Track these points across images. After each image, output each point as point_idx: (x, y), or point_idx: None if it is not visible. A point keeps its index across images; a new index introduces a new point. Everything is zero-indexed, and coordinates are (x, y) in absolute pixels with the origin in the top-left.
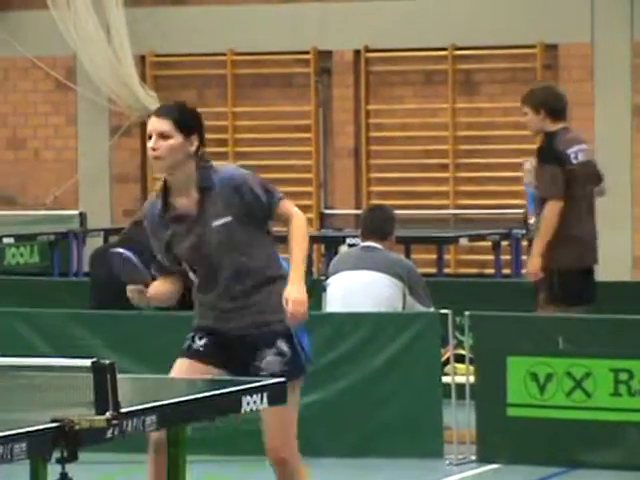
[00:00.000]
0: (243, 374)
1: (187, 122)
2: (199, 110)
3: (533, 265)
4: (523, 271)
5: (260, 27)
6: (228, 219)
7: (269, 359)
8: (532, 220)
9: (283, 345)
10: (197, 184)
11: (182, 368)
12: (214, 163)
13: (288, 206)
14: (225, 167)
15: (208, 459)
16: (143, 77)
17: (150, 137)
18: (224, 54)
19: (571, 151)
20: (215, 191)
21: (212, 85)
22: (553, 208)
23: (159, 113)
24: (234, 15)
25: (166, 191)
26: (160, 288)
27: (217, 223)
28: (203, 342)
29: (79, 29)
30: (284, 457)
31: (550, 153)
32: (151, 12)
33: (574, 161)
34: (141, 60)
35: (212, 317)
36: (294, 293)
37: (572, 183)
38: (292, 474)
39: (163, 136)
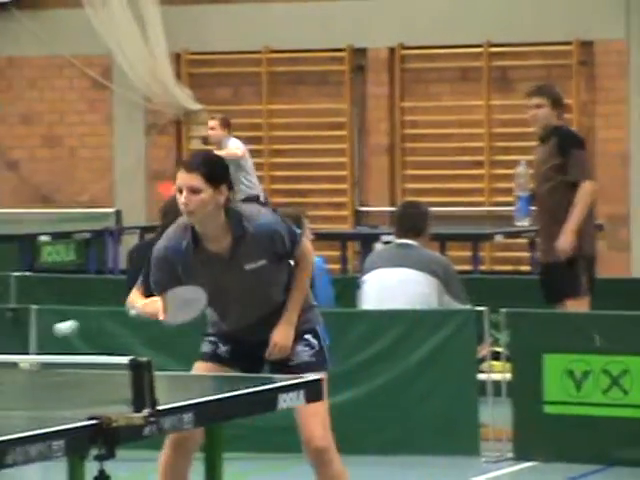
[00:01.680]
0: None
1: (216, 174)
2: (234, 108)
3: (569, 241)
4: None
5: (295, 24)
6: (262, 263)
7: (298, 349)
8: (524, 222)
9: (311, 338)
10: (230, 232)
11: (205, 371)
12: (242, 207)
13: (303, 246)
14: (255, 214)
15: (243, 456)
16: (178, 75)
17: (181, 191)
18: (259, 52)
19: None
20: (248, 237)
21: (247, 83)
22: (590, 187)
23: (188, 168)
24: (269, 13)
25: (195, 232)
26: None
27: (250, 267)
28: (227, 348)
29: (115, 27)
30: (323, 446)
31: (575, 139)
32: (187, 10)
33: None
34: (176, 58)
35: (235, 332)
36: (279, 338)
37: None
38: (331, 465)
39: (193, 190)
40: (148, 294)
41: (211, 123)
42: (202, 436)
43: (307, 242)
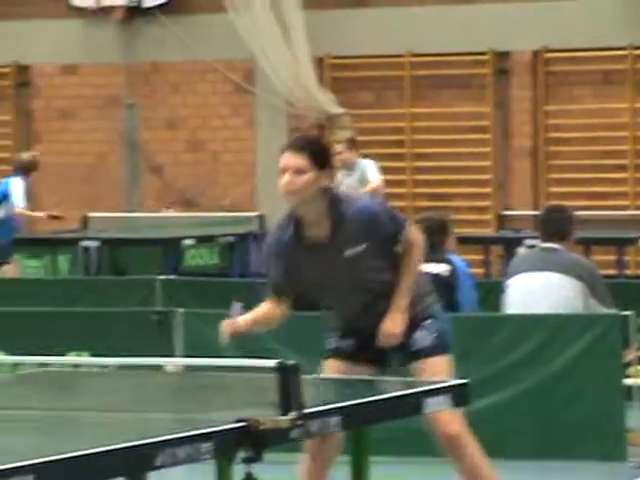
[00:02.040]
0: (389, 364)
1: (321, 156)
2: (376, 112)
3: None
4: None
5: (437, 28)
6: (361, 248)
7: (419, 334)
8: None
9: (430, 324)
10: (330, 216)
11: (334, 368)
12: (341, 192)
13: (411, 232)
14: (354, 198)
15: (389, 460)
16: (321, 79)
17: (283, 171)
18: (402, 55)
19: None
20: (347, 222)
21: (390, 86)
22: None
23: (294, 148)
24: (412, 17)
25: (297, 221)
26: (263, 313)
27: (350, 252)
28: (350, 342)
29: (258, 32)
30: (457, 431)
31: None
32: (329, 14)
33: None
34: (319, 62)
35: (349, 323)
36: (389, 326)
37: None
38: (467, 452)
39: (298, 171)
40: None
41: (338, 147)
42: (340, 445)
43: (415, 229)
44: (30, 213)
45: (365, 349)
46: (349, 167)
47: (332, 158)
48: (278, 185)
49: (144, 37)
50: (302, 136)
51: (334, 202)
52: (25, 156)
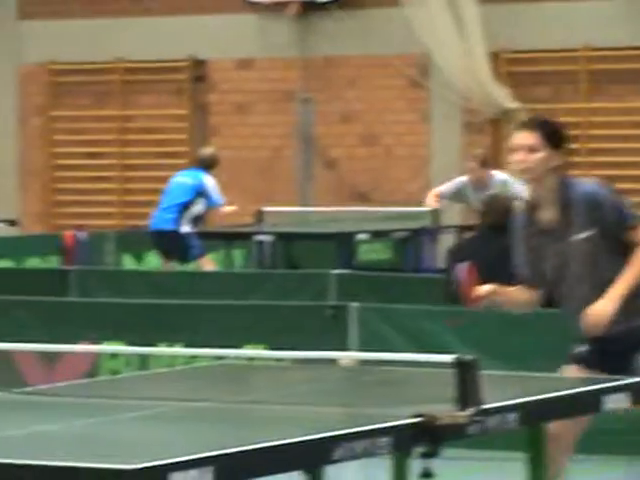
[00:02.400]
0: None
1: (554, 136)
2: (553, 106)
3: None
4: None
5: (615, 22)
6: (590, 233)
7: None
8: None
9: None
10: (558, 198)
11: (568, 374)
12: (569, 176)
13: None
14: (586, 182)
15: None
16: (496, 73)
17: (516, 150)
18: (577, 49)
19: None
20: (576, 205)
21: (566, 81)
22: None
23: (528, 126)
24: (588, 10)
25: (531, 205)
26: (517, 295)
27: (579, 237)
28: (585, 347)
29: (433, 26)
30: None
31: None
32: (506, 8)
33: None
34: (494, 57)
35: (574, 321)
36: (597, 306)
37: None
38: None
39: (531, 149)
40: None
41: (470, 164)
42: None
43: None
44: (231, 210)
45: (599, 355)
46: (483, 186)
47: (566, 139)
48: (510, 163)
49: (319, 31)
50: (536, 115)
51: (563, 184)
52: (207, 152)
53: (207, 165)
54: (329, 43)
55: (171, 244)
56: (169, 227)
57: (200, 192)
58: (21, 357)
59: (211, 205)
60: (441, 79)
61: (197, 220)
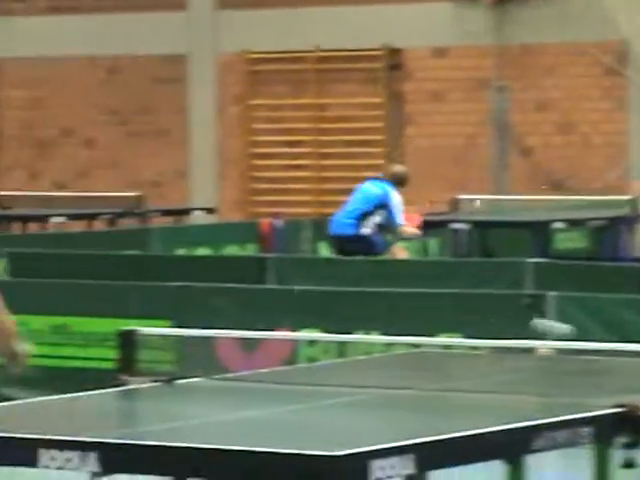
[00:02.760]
0: None
1: None
2: None
3: None
4: None
5: None
6: None
7: None
8: None
9: None
10: None
11: None
12: None
13: None
14: None
15: None
16: None
17: None
18: None
19: None
20: None
21: None
22: None
23: None
24: None
25: None
26: None
27: None
28: None
29: (631, 13)
30: None
31: None
32: None
33: None
34: None
35: None
36: None
37: None
38: None
39: None
40: None
41: None
42: None
43: None
44: (412, 232)
45: None
46: None
47: None
48: None
49: (515, 19)
50: None
51: None
52: (400, 169)
53: (397, 181)
54: (526, 31)
55: (353, 247)
56: (348, 232)
57: (383, 204)
58: (221, 344)
59: (391, 220)
60: (639, 66)
61: (379, 227)
